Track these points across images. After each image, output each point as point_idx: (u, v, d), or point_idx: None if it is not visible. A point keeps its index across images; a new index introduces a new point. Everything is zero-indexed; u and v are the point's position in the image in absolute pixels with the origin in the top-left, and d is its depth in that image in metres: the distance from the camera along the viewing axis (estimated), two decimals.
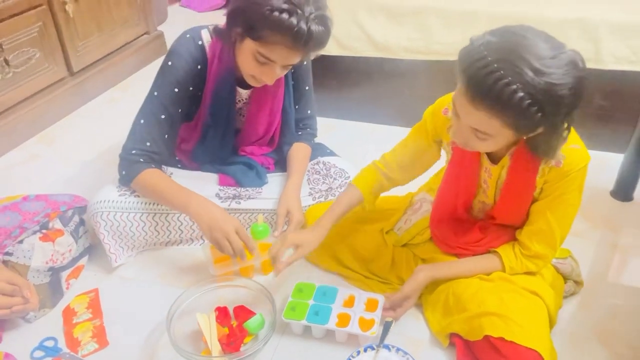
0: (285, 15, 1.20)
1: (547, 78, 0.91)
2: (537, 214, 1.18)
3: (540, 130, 0.99)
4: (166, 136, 1.44)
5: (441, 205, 1.33)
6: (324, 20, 1.25)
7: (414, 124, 1.32)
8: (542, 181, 1.14)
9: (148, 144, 1.40)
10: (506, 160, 1.16)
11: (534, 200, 1.18)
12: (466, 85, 0.96)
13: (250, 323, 1.22)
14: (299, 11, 1.20)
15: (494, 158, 1.19)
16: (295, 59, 1.31)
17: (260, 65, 1.31)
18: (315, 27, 1.22)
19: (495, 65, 0.91)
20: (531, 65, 0.90)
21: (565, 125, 1.02)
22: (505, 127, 0.99)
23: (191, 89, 1.44)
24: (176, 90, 1.41)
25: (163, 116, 1.41)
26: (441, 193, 1.33)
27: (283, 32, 1.22)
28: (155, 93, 1.41)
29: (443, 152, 1.32)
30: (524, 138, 1.07)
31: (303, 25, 1.20)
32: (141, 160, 1.39)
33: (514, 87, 0.91)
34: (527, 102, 0.91)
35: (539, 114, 0.93)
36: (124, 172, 1.40)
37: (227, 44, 1.38)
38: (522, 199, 1.18)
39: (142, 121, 1.41)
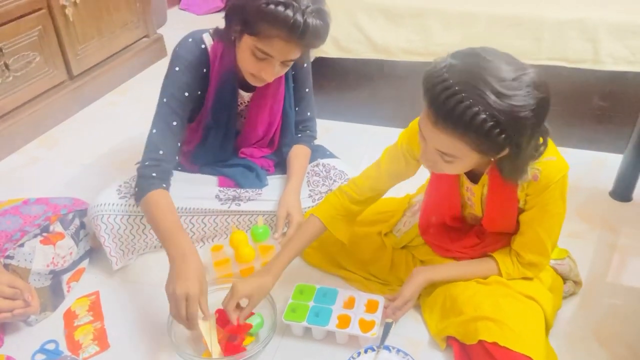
0: (280, 8, 1.20)
1: (509, 100, 0.91)
2: (525, 225, 1.19)
3: (505, 151, 1.00)
4: (179, 143, 1.42)
5: (427, 218, 1.34)
6: (320, 14, 1.25)
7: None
8: (523, 195, 1.14)
9: (161, 152, 1.37)
10: (485, 179, 1.17)
11: (522, 210, 1.18)
12: (429, 107, 0.97)
13: (251, 321, 1.23)
14: (295, 4, 1.20)
15: (473, 177, 1.20)
16: (294, 54, 1.31)
17: (259, 61, 1.31)
18: (311, 20, 1.22)
19: (457, 87, 0.92)
20: (493, 87, 0.91)
21: (538, 140, 1.03)
22: (471, 150, 0.99)
23: (199, 92, 1.45)
24: (186, 94, 1.41)
25: (175, 123, 1.40)
26: (425, 208, 1.35)
27: (279, 24, 1.22)
28: (165, 100, 1.40)
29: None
30: (496, 164, 1.08)
31: (299, 18, 1.21)
32: (154, 175, 1.34)
33: (476, 109, 0.91)
34: (490, 124, 0.92)
35: (502, 136, 0.94)
36: (136, 189, 1.35)
37: (228, 46, 1.38)
38: (507, 212, 1.19)
39: (154, 131, 1.39)
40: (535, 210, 1.15)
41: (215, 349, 1.18)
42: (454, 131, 0.96)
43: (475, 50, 0.97)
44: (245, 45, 1.31)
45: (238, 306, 1.21)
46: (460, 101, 0.91)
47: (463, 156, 1.01)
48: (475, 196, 1.22)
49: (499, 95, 0.91)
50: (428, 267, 1.31)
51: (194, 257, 1.18)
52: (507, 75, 0.92)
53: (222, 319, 1.26)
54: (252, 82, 1.39)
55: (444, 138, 0.98)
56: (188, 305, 1.12)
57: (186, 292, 1.12)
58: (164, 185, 1.35)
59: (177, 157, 1.44)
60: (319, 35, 1.27)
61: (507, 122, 0.92)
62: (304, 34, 1.23)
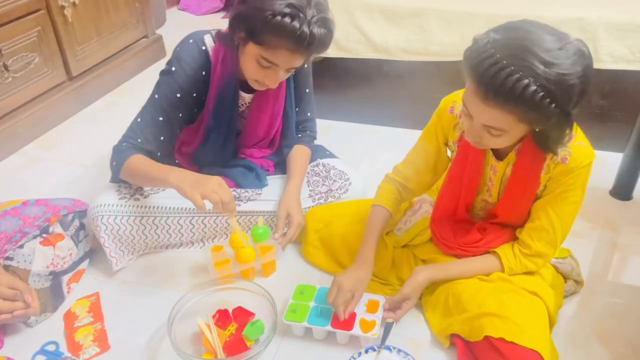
0: (287, 19, 1.20)
1: (558, 69, 0.92)
2: (539, 211, 1.18)
3: (552, 121, 0.99)
4: (162, 138, 1.44)
5: (443, 204, 1.34)
6: (326, 23, 1.26)
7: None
8: (546, 178, 1.14)
9: (139, 140, 1.40)
10: (512, 157, 1.17)
11: (537, 198, 1.18)
12: (477, 84, 0.97)
13: (249, 331, 1.22)
14: (301, 15, 1.21)
15: (499, 155, 1.19)
16: (299, 62, 1.32)
17: (264, 69, 1.31)
18: (317, 30, 1.23)
19: (505, 61, 0.92)
20: (540, 58, 0.91)
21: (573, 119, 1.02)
22: (519, 122, 0.99)
23: (195, 95, 1.45)
24: (178, 95, 1.41)
25: (161, 118, 1.42)
26: (443, 192, 1.34)
27: (286, 36, 1.22)
28: (156, 96, 1.42)
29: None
30: (531, 134, 1.08)
31: (305, 29, 1.21)
32: (130, 149, 1.39)
33: (526, 81, 0.91)
34: (541, 94, 0.92)
35: (553, 105, 0.94)
36: (114, 163, 1.39)
37: (231, 49, 1.38)
38: (525, 196, 1.18)
39: (138, 120, 1.42)
40: (554, 195, 1.15)
41: (219, 349, 1.18)
42: (506, 105, 0.96)
43: (516, 24, 0.98)
44: (250, 53, 1.31)
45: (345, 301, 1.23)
46: (510, 74, 0.91)
47: (512, 129, 1.01)
48: (496, 175, 1.21)
49: (547, 64, 0.91)
50: (429, 265, 1.31)
51: (189, 171, 1.31)
52: (552, 45, 0.93)
53: (221, 319, 1.26)
54: (256, 87, 1.40)
55: (494, 113, 0.98)
56: (222, 192, 1.24)
57: (217, 181, 1.25)
58: (141, 154, 1.39)
59: (157, 152, 1.44)
60: (324, 44, 1.28)
61: (557, 91, 0.92)
62: (310, 44, 1.24)
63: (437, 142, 1.29)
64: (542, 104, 0.93)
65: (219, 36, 1.39)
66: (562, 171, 1.11)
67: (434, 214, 1.36)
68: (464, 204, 1.29)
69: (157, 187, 1.47)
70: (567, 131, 1.03)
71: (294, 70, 1.36)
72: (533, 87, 0.91)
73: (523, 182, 1.17)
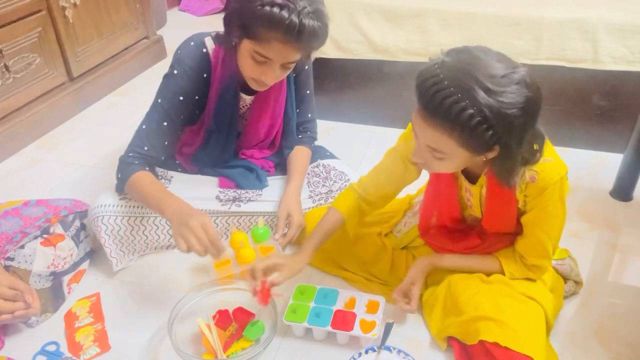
0: (276, 9, 1.20)
1: (497, 97, 0.91)
2: (527, 228, 1.19)
3: (495, 150, 1.00)
4: (166, 143, 1.44)
5: (426, 220, 1.35)
6: (318, 14, 1.25)
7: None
8: (522, 196, 1.14)
9: (146, 148, 1.40)
10: (483, 180, 1.17)
11: (523, 212, 1.18)
12: (419, 103, 0.98)
13: (249, 332, 1.23)
14: (291, 5, 1.21)
15: (472, 178, 1.20)
16: (293, 56, 1.31)
17: (259, 65, 1.31)
18: (308, 21, 1.22)
19: (446, 82, 0.92)
20: (481, 83, 0.91)
21: (532, 145, 1.02)
22: (459, 147, 0.99)
23: (197, 97, 1.45)
24: (181, 98, 1.42)
25: (165, 123, 1.42)
26: (424, 210, 1.35)
27: (275, 26, 1.22)
28: (159, 101, 1.42)
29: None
30: (489, 165, 1.08)
31: (294, 19, 1.20)
32: (136, 162, 1.39)
33: (463, 104, 0.91)
34: (477, 120, 0.92)
35: (489, 132, 0.94)
36: (119, 175, 1.40)
37: (229, 50, 1.38)
38: (507, 214, 1.19)
39: (144, 127, 1.42)
40: (535, 212, 1.15)
41: (220, 350, 1.18)
42: (442, 126, 0.96)
43: (468, 48, 0.98)
44: (245, 49, 1.31)
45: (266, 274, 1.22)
46: (448, 96, 0.92)
47: (452, 153, 1.01)
48: (474, 197, 1.22)
49: (487, 91, 0.91)
50: (432, 254, 1.32)
51: (189, 205, 1.27)
52: (496, 72, 0.93)
53: (222, 319, 1.27)
54: (254, 86, 1.40)
55: (433, 134, 0.99)
56: (206, 230, 1.19)
57: (200, 221, 1.19)
58: (147, 169, 1.39)
59: (162, 157, 1.45)
60: (316, 36, 1.26)
61: (495, 119, 0.92)
62: (300, 35, 1.23)
63: (403, 163, 1.27)
64: (478, 129, 0.93)
65: (217, 38, 1.39)
66: (535, 190, 1.11)
67: (420, 226, 1.37)
68: (450, 220, 1.30)
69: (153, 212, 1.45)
70: (511, 165, 1.03)
71: (291, 66, 1.35)
72: (470, 111, 0.91)
73: (499, 202, 1.17)
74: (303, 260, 1.28)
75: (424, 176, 1.38)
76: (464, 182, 1.22)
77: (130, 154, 1.40)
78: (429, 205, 1.33)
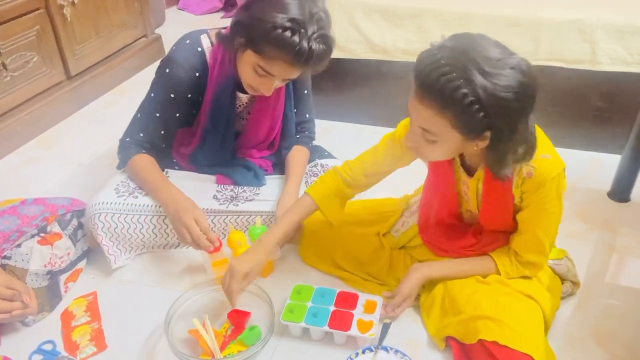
0: (288, 34, 1.21)
1: (492, 78, 0.93)
2: (523, 225, 1.19)
3: (486, 136, 1.00)
4: (162, 132, 1.49)
5: (426, 215, 1.35)
6: (326, 40, 1.27)
7: None
8: (519, 192, 1.14)
9: (141, 134, 1.47)
10: (481, 173, 1.17)
11: (519, 208, 1.18)
12: (415, 83, 1.00)
13: (246, 336, 1.22)
14: (302, 30, 1.22)
15: (470, 171, 1.20)
16: (294, 75, 1.33)
17: (260, 77, 1.32)
18: (316, 46, 1.24)
19: (443, 62, 0.94)
20: (477, 64, 0.93)
21: (524, 140, 1.03)
22: (450, 128, 1.00)
23: (189, 95, 1.46)
24: (172, 96, 1.44)
25: (158, 114, 1.47)
26: (423, 204, 1.35)
27: (285, 49, 1.23)
28: (152, 94, 1.47)
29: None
30: (484, 156, 1.08)
31: (305, 44, 1.22)
32: (132, 146, 1.46)
33: (458, 83, 0.93)
34: (470, 99, 0.93)
35: (481, 114, 0.95)
36: (119, 156, 1.49)
37: (229, 51, 1.38)
38: (503, 209, 1.19)
39: (138, 115, 1.49)
40: (532, 208, 1.15)
41: (216, 350, 1.18)
42: (436, 104, 0.98)
43: (469, 34, 1.00)
44: (248, 60, 1.31)
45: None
46: (443, 74, 0.94)
47: (444, 135, 1.02)
48: (470, 190, 1.22)
49: (482, 72, 0.93)
50: (425, 263, 1.31)
51: (184, 196, 1.37)
52: (493, 56, 0.95)
53: (236, 318, 1.27)
54: (250, 91, 1.41)
55: (426, 113, 1.00)
56: (198, 223, 1.31)
57: (193, 215, 1.31)
58: (144, 151, 1.47)
59: (161, 145, 1.51)
60: (321, 59, 1.29)
61: (488, 101, 0.93)
62: (308, 60, 1.25)
63: (401, 148, 1.26)
64: (470, 109, 0.94)
65: (219, 37, 1.39)
66: (532, 186, 1.11)
67: (420, 222, 1.37)
68: (449, 214, 1.30)
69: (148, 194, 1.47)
70: (505, 154, 1.03)
71: (289, 80, 1.38)
72: (464, 90, 0.93)
73: (495, 197, 1.18)
74: (265, 258, 1.26)
75: (421, 176, 1.38)
76: (462, 175, 1.21)
77: (127, 139, 1.48)
78: (429, 198, 1.33)
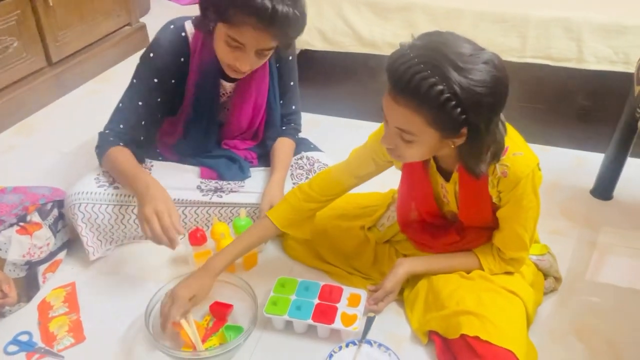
0: None
1: (467, 74, 0.93)
2: (503, 222, 1.19)
3: (462, 133, 1.00)
4: (143, 122, 1.45)
5: (404, 215, 1.35)
6: (293, 1, 1.23)
7: None
8: (495, 191, 1.15)
9: (121, 126, 1.42)
10: (456, 176, 1.17)
11: (498, 206, 1.18)
12: (389, 83, 0.99)
13: (228, 334, 1.21)
14: None
15: (446, 175, 1.20)
16: (266, 43, 1.28)
17: (233, 50, 1.29)
18: (281, 7, 1.21)
19: (416, 60, 0.94)
20: (451, 61, 0.93)
21: (497, 135, 1.04)
22: (427, 126, 0.99)
23: (173, 81, 1.43)
24: (155, 80, 1.41)
25: (140, 103, 1.42)
26: (400, 206, 1.35)
27: (247, 10, 1.20)
28: (135, 81, 1.44)
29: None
30: (458, 155, 1.09)
31: (267, 3, 1.19)
32: (111, 139, 1.41)
33: (433, 80, 0.92)
34: (446, 95, 0.93)
35: (458, 109, 0.94)
36: (97, 150, 1.43)
37: (208, 36, 1.36)
38: (481, 208, 1.19)
39: (120, 105, 1.45)
40: (510, 206, 1.15)
41: (198, 343, 1.16)
42: (412, 103, 0.97)
43: (438, 31, 1.00)
44: (219, 34, 1.29)
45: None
46: (418, 72, 0.93)
47: (421, 133, 1.01)
48: (449, 193, 1.23)
49: (457, 68, 0.92)
50: (410, 258, 1.31)
51: (157, 185, 1.29)
52: (465, 51, 0.95)
53: (217, 311, 1.25)
54: (230, 74, 1.38)
55: (402, 112, 0.99)
56: (160, 220, 1.21)
57: (154, 209, 1.22)
58: (121, 144, 1.40)
59: (141, 137, 1.46)
60: (289, 22, 1.24)
61: (464, 96, 0.93)
62: (273, 20, 1.21)
63: (374, 162, 1.26)
64: (447, 106, 0.94)
65: (195, 21, 1.37)
66: (507, 184, 1.11)
67: (400, 224, 1.37)
68: (432, 215, 1.30)
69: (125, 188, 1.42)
70: (481, 150, 1.04)
71: (266, 53, 1.33)
72: (439, 87, 0.93)
73: (472, 198, 1.18)
74: (210, 283, 1.23)
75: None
76: (440, 179, 1.22)
77: (107, 131, 1.43)
78: (404, 201, 1.33)
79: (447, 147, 1.06)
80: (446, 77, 0.92)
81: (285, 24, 1.24)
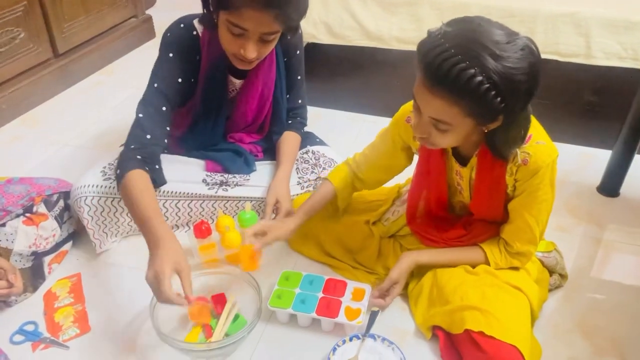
0: None
1: (504, 62, 0.91)
2: (515, 213, 1.19)
3: (499, 119, 1.00)
4: (168, 128, 1.39)
5: (414, 206, 1.34)
6: None
7: None
8: (512, 180, 1.14)
9: (148, 136, 1.32)
10: (474, 162, 1.16)
11: (511, 197, 1.18)
12: (424, 74, 0.97)
13: (230, 326, 1.21)
14: None
15: (463, 160, 1.19)
16: (269, 26, 1.25)
17: (237, 38, 1.27)
18: None
19: (453, 50, 0.92)
20: (489, 50, 0.91)
21: (526, 119, 1.04)
22: (465, 116, 0.99)
23: (192, 80, 1.43)
24: (179, 80, 1.39)
25: (164, 108, 1.36)
26: (412, 194, 1.35)
27: None
28: (156, 85, 1.37)
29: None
30: (486, 139, 1.08)
31: None
32: (138, 157, 1.29)
33: (472, 71, 0.91)
34: (486, 86, 0.92)
35: (498, 99, 0.93)
36: (118, 171, 1.28)
37: (215, 31, 1.35)
38: (495, 198, 1.18)
39: (140, 115, 1.34)
40: (524, 196, 1.14)
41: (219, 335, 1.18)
42: (450, 95, 0.95)
43: (469, 18, 0.98)
44: (222, 23, 1.28)
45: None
46: (456, 63, 0.91)
47: (457, 124, 1.00)
48: (464, 180, 1.21)
49: (495, 57, 0.91)
50: (415, 251, 1.31)
51: (167, 241, 1.11)
52: (500, 39, 0.93)
53: (216, 302, 1.25)
54: (238, 65, 1.36)
55: (439, 104, 0.98)
56: (159, 284, 1.06)
57: (154, 274, 1.07)
58: (146, 168, 1.28)
59: (165, 142, 1.39)
60: (289, 2, 1.21)
61: (503, 85, 0.92)
62: (270, 0, 1.19)
63: (393, 147, 1.29)
64: (487, 96, 0.93)
65: (201, 19, 1.37)
66: (526, 173, 1.10)
67: (407, 213, 1.37)
68: (437, 205, 1.29)
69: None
70: (516, 134, 1.04)
71: (270, 39, 1.29)
72: (479, 78, 0.91)
73: (488, 185, 1.17)
74: (293, 222, 1.32)
75: (413, 165, 1.37)
76: (455, 165, 1.21)
77: (132, 146, 1.30)
78: (418, 186, 1.32)
79: (479, 133, 1.05)
80: (485, 67, 0.90)
81: (284, 2, 1.21)
